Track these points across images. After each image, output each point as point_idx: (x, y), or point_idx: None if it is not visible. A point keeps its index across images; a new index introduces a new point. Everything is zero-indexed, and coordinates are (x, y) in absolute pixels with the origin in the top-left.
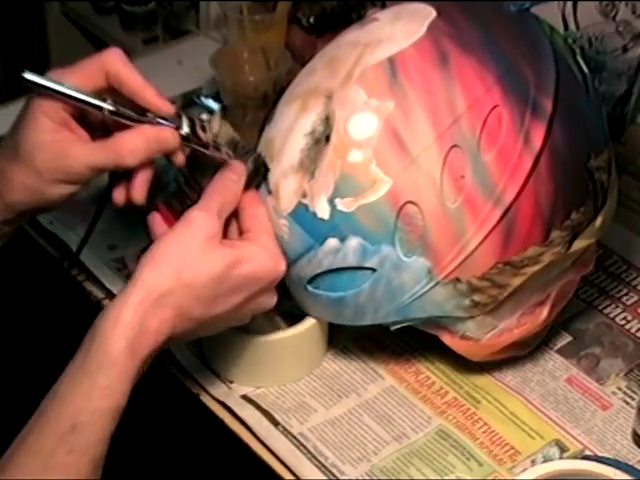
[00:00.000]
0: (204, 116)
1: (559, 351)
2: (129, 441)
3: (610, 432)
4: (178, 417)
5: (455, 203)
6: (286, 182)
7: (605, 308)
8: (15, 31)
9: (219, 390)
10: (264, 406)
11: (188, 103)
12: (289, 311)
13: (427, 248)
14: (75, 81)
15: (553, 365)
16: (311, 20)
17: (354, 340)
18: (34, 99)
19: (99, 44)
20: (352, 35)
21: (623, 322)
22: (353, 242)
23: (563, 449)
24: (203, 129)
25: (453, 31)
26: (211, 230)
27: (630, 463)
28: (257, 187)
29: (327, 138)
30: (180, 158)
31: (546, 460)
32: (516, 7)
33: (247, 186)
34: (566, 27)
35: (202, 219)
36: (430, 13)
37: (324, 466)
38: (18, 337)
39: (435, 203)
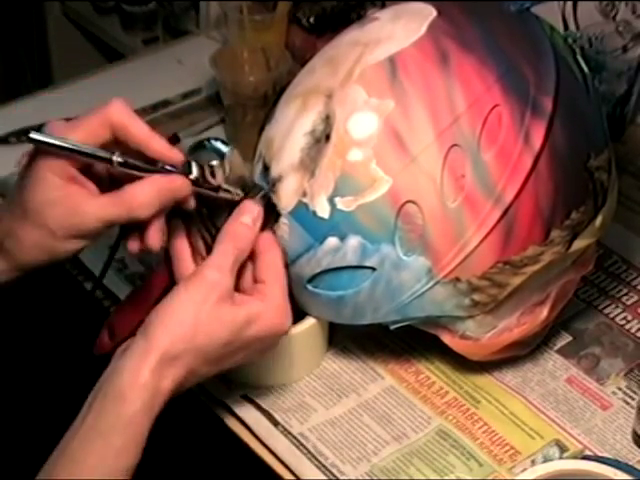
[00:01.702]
0: (214, 162)
1: (559, 351)
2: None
3: (610, 432)
4: (178, 417)
5: (455, 202)
6: (286, 181)
7: (605, 308)
8: (15, 31)
9: (219, 390)
10: (264, 406)
11: (196, 147)
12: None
13: (427, 247)
14: (80, 136)
15: (553, 365)
16: (311, 20)
17: (354, 340)
18: (39, 157)
19: (99, 44)
20: (352, 34)
21: (623, 322)
22: (353, 241)
23: (563, 449)
24: (212, 174)
25: (453, 30)
26: (224, 291)
27: (630, 463)
28: (271, 230)
29: (327, 137)
30: (191, 204)
31: (546, 460)
32: (516, 7)
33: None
34: (566, 27)
35: (215, 280)
36: (430, 12)
37: (324, 466)
38: (18, 337)
39: (435, 202)
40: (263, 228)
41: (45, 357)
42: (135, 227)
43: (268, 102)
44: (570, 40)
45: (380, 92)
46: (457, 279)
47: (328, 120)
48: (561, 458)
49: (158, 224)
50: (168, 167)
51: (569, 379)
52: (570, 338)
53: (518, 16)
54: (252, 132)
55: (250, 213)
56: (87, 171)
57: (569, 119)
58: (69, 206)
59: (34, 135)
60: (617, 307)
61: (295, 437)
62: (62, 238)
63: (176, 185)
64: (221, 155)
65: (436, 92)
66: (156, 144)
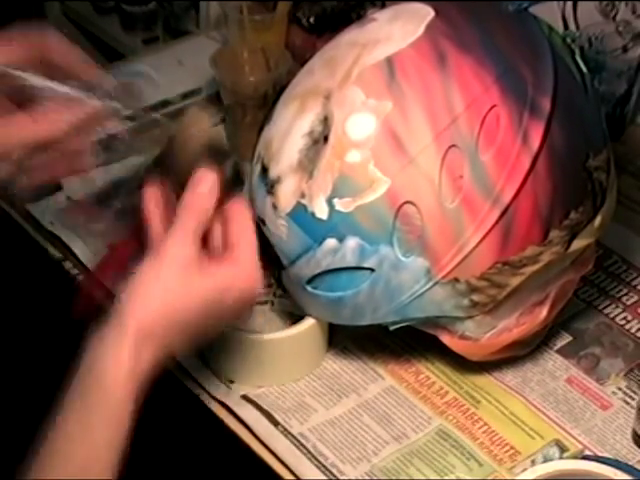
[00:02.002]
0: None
1: (559, 351)
2: (129, 441)
3: (610, 432)
4: (178, 417)
5: (453, 203)
6: (285, 182)
7: (605, 308)
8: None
9: (219, 390)
10: (264, 406)
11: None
12: (289, 311)
13: (425, 248)
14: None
15: (553, 365)
16: (311, 20)
17: (354, 340)
18: None
19: (99, 44)
20: (350, 35)
21: (623, 322)
22: (351, 242)
23: (563, 449)
24: (131, 92)
25: (451, 31)
26: (189, 263)
27: (630, 463)
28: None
29: (325, 138)
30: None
31: (546, 460)
32: (514, 7)
33: (228, 193)
34: (566, 27)
35: (178, 253)
36: (428, 13)
37: (324, 466)
38: (18, 337)
39: (433, 203)
40: (232, 194)
41: (44, 355)
42: None
43: (268, 102)
44: (569, 40)
45: (378, 93)
46: (456, 280)
47: (326, 121)
48: (561, 458)
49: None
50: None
51: (569, 379)
52: (570, 338)
53: (516, 16)
54: (252, 132)
55: (205, 182)
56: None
57: (567, 119)
58: None
59: None
60: (617, 307)
61: (295, 437)
62: None
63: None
64: (139, 76)
65: (434, 93)
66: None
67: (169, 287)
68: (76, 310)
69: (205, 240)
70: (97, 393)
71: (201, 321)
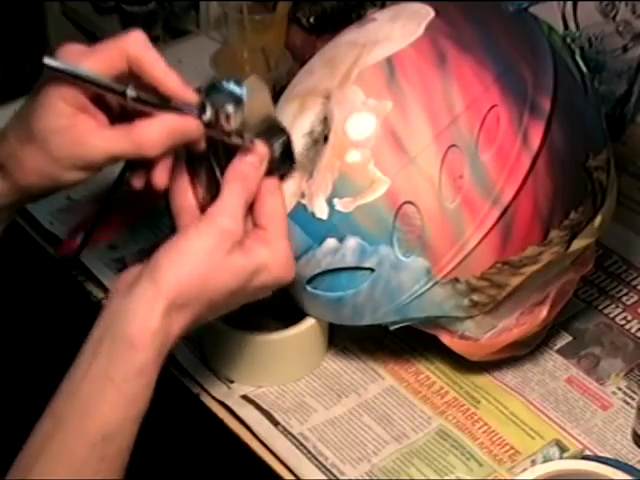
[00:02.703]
0: (229, 108)
1: (559, 351)
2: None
3: (610, 432)
4: (178, 417)
5: (453, 203)
6: (285, 182)
7: (605, 308)
8: (15, 31)
9: (219, 390)
10: (264, 406)
11: (210, 88)
12: (289, 311)
13: (425, 248)
14: (94, 65)
15: (553, 365)
16: (311, 20)
17: (354, 340)
18: (51, 83)
19: None
20: (350, 35)
21: (623, 322)
22: (351, 242)
23: (563, 449)
24: (227, 119)
25: (451, 31)
26: (237, 239)
27: (630, 463)
28: (281, 177)
29: (325, 138)
30: (201, 146)
31: (546, 460)
32: (514, 7)
33: (269, 172)
34: (566, 27)
35: (228, 227)
36: (428, 13)
37: (324, 466)
38: (18, 337)
39: (433, 203)
40: (275, 176)
41: (44, 356)
42: (141, 164)
43: None
44: (569, 40)
45: (378, 93)
46: (456, 279)
47: (326, 121)
48: (561, 458)
49: (165, 164)
50: (183, 107)
51: (569, 379)
52: (570, 338)
53: (516, 16)
54: None
55: (256, 154)
56: (99, 102)
57: (567, 119)
58: (76, 136)
59: (48, 61)
60: (617, 307)
61: (295, 437)
62: (64, 167)
63: (188, 126)
64: (236, 99)
65: (434, 93)
66: (171, 81)
67: (213, 263)
68: (61, 250)
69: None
70: (125, 349)
71: (233, 298)
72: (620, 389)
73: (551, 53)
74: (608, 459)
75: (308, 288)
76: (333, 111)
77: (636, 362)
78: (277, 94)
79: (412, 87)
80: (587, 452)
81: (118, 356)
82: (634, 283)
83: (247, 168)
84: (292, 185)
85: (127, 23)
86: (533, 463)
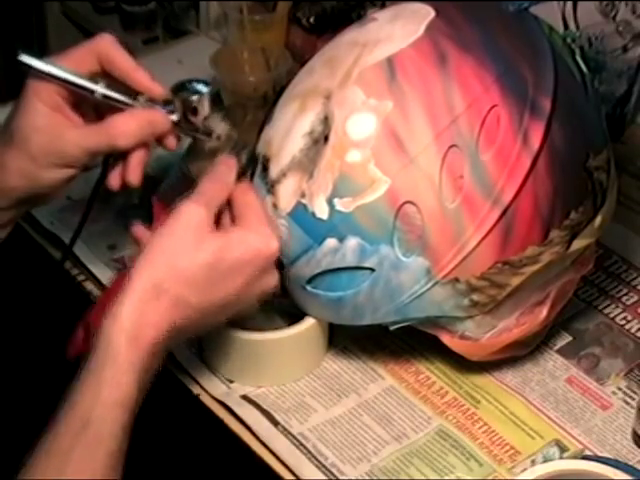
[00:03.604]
0: (194, 97)
1: (559, 351)
2: (129, 441)
3: (610, 432)
4: (178, 417)
5: (454, 203)
6: (285, 182)
7: (605, 308)
8: (15, 31)
9: (219, 390)
10: (264, 406)
11: (179, 88)
12: (289, 311)
13: (426, 248)
14: (68, 64)
15: (553, 365)
16: (311, 20)
17: (354, 340)
18: (29, 83)
19: None
20: (351, 35)
21: (623, 322)
22: (352, 242)
23: (563, 449)
24: (194, 112)
25: (452, 31)
26: (200, 219)
27: (630, 463)
28: (251, 176)
29: (326, 138)
30: (171, 142)
31: (546, 460)
32: (514, 7)
33: (240, 178)
34: (566, 27)
35: (190, 210)
36: (429, 13)
37: (324, 466)
38: (18, 337)
39: (434, 203)
40: (247, 178)
41: (44, 356)
42: (115, 165)
43: (268, 102)
44: (569, 40)
45: (378, 93)
46: (456, 279)
47: (327, 121)
48: (561, 458)
49: (138, 159)
50: (151, 103)
51: (569, 379)
52: (570, 338)
53: (516, 16)
54: (252, 132)
55: (226, 163)
56: (75, 106)
57: (568, 119)
58: (52, 134)
59: (23, 58)
60: (617, 307)
61: (295, 437)
62: (44, 165)
63: (156, 118)
64: (200, 94)
65: (434, 93)
66: (139, 76)
67: (179, 243)
68: (75, 346)
69: (217, 219)
70: (104, 351)
71: (215, 275)
72: (620, 389)
73: (551, 53)
74: (608, 459)
75: (308, 288)
76: (333, 111)
77: (636, 362)
78: (277, 94)
79: (412, 87)
80: (587, 452)
81: (97, 349)
82: (634, 283)
83: (215, 173)
84: (292, 185)
85: (127, 23)
86: (533, 463)
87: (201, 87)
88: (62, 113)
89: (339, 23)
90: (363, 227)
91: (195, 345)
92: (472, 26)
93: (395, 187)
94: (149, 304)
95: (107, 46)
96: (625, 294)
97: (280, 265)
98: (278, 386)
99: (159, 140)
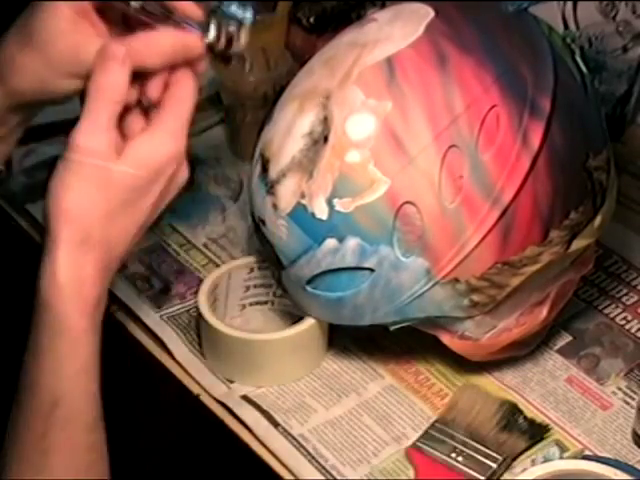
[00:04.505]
0: (232, 28)
1: (559, 351)
2: (129, 441)
3: (610, 432)
4: (178, 417)
5: (453, 203)
6: (285, 183)
7: (605, 308)
8: None
9: (219, 390)
10: (264, 406)
11: (215, 10)
12: (289, 311)
13: (425, 248)
14: None
15: (553, 365)
16: (311, 20)
17: (354, 340)
18: None
19: None
20: (350, 35)
21: (623, 322)
22: (351, 242)
23: (563, 449)
24: (229, 40)
25: (451, 31)
26: (103, 154)
27: (630, 463)
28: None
29: (325, 138)
30: (201, 66)
31: (546, 460)
32: (514, 7)
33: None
34: (566, 27)
35: (89, 146)
36: (428, 13)
37: (324, 468)
38: (17, 337)
39: (433, 203)
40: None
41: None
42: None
43: (268, 102)
44: (569, 40)
45: (378, 93)
46: (456, 280)
47: (326, 121)
48: (561, 458)
49: (162, 77)
50: (187, 23)
51: (569, 379)
52: (570, 338)
53: (516, 16)
54: (252, 132)
55: (114, 57)
56: (101, 14)
57: (567, 119)
58: (75, 40)
59: None
60: (617, 307)
61: (295, 438)
62: (60, 73)
63: (191, 41)
64: (239, 21)
65: (434, 93)
66: None
67: (87, 185)
68: None
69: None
70: (52, 323)
71: (131, 204)
72: (620, 389)
73: (551, 53)
74: (608, 459)
75: (308, 288)
76: (333, 111)
77: (636, 362)
78: (277, 94)
79: (412, 87)
80: (587, 452)
81: (42, 320)
82: (634, 283)
83: (103, 80)
84: (292, 185)
85: None
86: (533, 463)
87: (240, 12)
88: (88, 20)
89: (339, 23)
90: (363, 227)
91: (195, 345)
92: (472, 26)
93: (395, 187)
94: (83, 261)
95: None
96: (625, 294)
97: (280, 265)
98: (278, 386)
99: (188, 62)
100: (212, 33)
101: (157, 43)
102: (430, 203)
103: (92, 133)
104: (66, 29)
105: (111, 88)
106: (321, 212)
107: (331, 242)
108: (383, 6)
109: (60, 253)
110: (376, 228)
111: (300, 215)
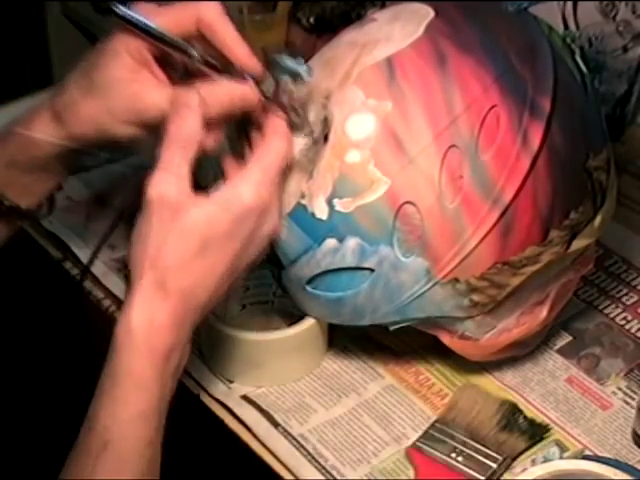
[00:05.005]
0: (288, 81)
1: (559, 351)
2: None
3: (610, 432)
4: (178, 417)
5: (453, 203)
6: (285, 182)
7: (605, 308)
8: (15, 31)
9: (219, 390)
10: (264, 406)
11: (272, 63)
12: (289, 311)
13: (425, 248)
14: (164, 22)
15: (553, 365)
16: (311, 20)
17: (354, 340)
18: (117, 34)
19: None
20: (350, 35)
21: (623, 322)
22: (351, 242)
23: (563, 449)
24: (286, 93)
25: (451, 31)
26: (175, 201)
27: (630, 463)
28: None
29: (325, 138)
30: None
31: (546, 460)
32: (514, 7)
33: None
34: (566, 27)
35: (162, 194)
36: (428, 13)
37: (324, 468)
38: (18, 337)
39: (433, 203)
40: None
41: (44, 356)
42: None
43: None
44: (569, 40)
45: (378, 93)
46: (456, 280)
47: (326, 121)
48: (561, 458)
49: (220, 129)
50: (244, 74)
51: (569, 379)
52: (570, 338)
53: (516, 16)
54: None
55: (188, 105)
56: (162, 62)
57: (567, 119)
58: (135, 90)
59: (118, 8)
60: (617, 307)
61: (295, 438)
62: (119, 120)
63: (249, 95)
64: (295, 75)
65: (434, 93)
66: (240, 50)
67: (159, 234)
68: None
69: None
70: (114, 358)
71: (208, 256)
72: (620, 389)
73: (551, 53)
74: (608, 459)
75: (308, 288)
76: (333, 111)
77: (636, 362)
78: None
79: (412, 87)
80: (587, 452)
81: (108, 363)
82: (634, 283)
83: (175, 127)
84: (292, 185)
85: None
86: (533, 463)
87: (296, 66)
88: (148, 69)
89: (339, 23)
90: (363, 227)
91: (195, 345)
92: (472, 26)
93: (395, 187)
94: (158, 308)
95: (212, 11)
96: (625, 294)
97: (280, 265)
98: (278, 386)
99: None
100: (269, 86)
101: (215, 93)
102: (430, 203)
103: (167, 182)
104: (127, 77)
105: (185, 136)
106: (321, 212)
107: (331, 242)
108: (383, 6)
109: (137, 298)
110: (376, 228)
111: (300, 215)
